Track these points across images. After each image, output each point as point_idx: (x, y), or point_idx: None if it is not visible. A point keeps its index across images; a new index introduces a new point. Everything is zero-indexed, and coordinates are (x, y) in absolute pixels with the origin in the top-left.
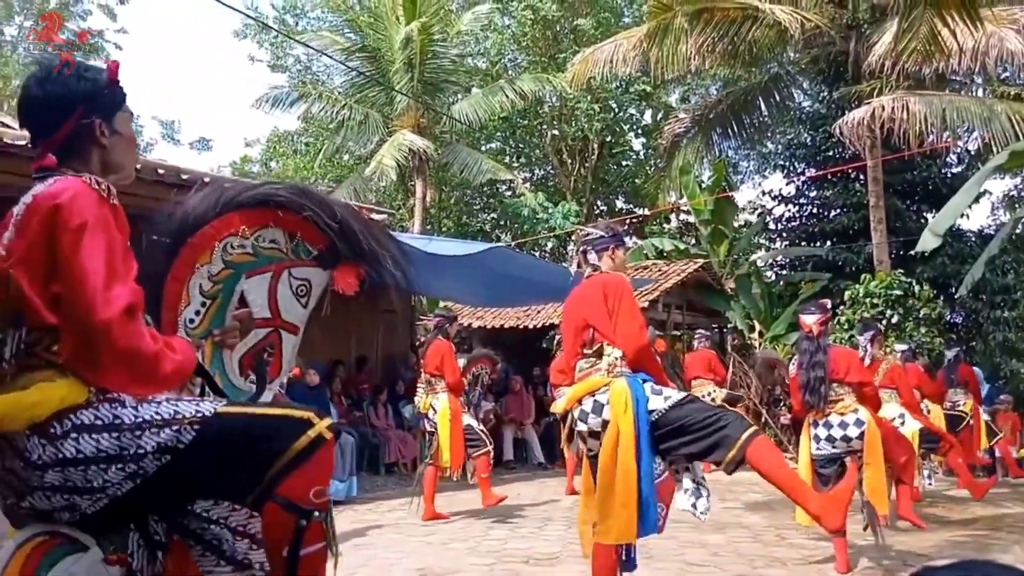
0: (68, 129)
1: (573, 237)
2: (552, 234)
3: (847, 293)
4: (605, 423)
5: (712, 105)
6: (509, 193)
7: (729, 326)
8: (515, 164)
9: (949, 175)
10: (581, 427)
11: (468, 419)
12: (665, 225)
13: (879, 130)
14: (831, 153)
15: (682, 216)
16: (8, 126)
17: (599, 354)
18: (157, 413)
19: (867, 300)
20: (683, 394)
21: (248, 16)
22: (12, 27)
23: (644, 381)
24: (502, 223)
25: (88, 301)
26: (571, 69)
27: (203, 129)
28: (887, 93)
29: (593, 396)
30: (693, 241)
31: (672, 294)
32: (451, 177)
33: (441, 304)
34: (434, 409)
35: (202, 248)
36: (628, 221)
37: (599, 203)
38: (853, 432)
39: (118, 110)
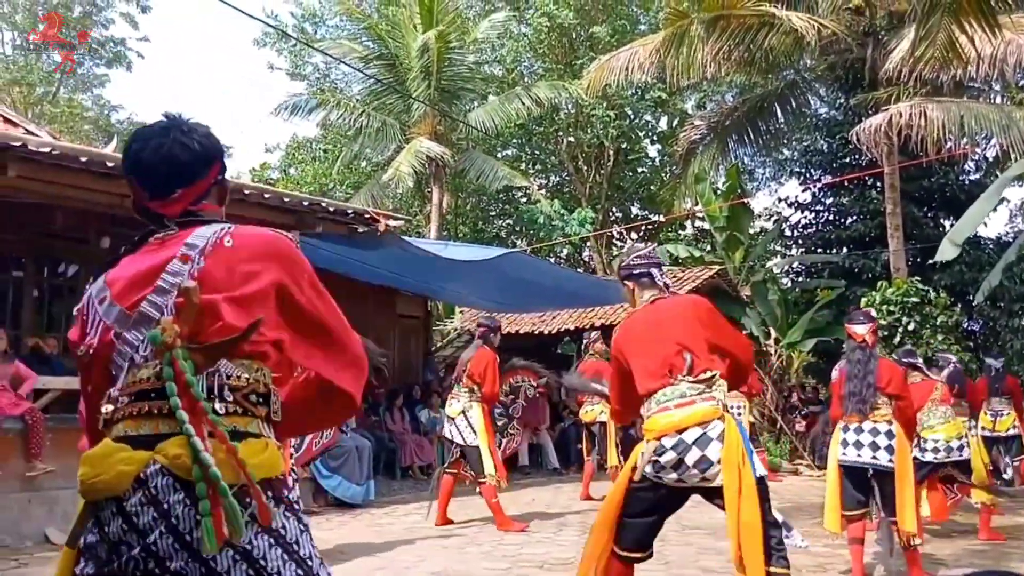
0: (207, 184)
1: (589, 244)
2: (567, 240)
3: (863, 300)
4: (705, 459)
5: (728, 112)
6: (525, 199)
7: (744, 333)
8: (531, 171)
9: (967, 182)
10: (668, 457)
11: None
12: (680, 232)
13: (896, 137)
14: (848, 160)
15: (697, 223)
16: (33, 133)
17: (709, 383)
18: (311, 551)
19: (884, 307)
20: (763, 471)
21: (268, 24)
22: (36, 35)
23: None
24: (518, 229)
25: (340, 339)
26: (587, 76)
27: (224, 137)
28: (904, 100)
29: (703, 429)
30: (708, 248)
31: None
32: (467, 183)
33: (484, 313)
34: (466, 418)
35: None
36: (643, 227)
37: (614, 210)
38: (883, 442)
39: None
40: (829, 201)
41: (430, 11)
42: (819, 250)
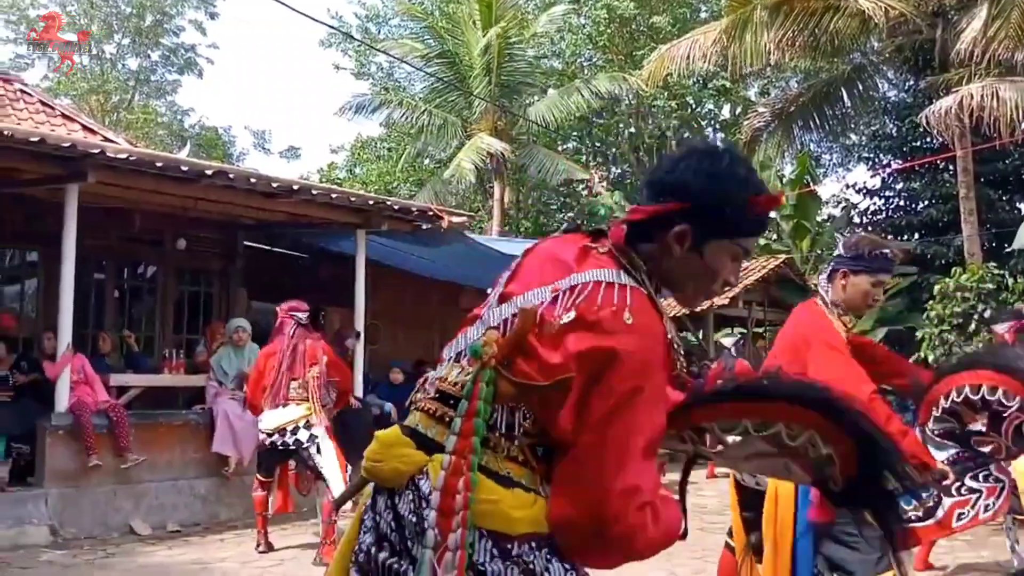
0: (661, 216)
1: None
2: None
3: (936, 287)
4: None
5: (793, 98)
6: (586, 192)
7: None
8: (592, 163)
9: None
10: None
11: None
12: None
13: (968, 119)
14: (918, 144)
15: None
16: (111, 140)
17: None
18: None
19: (957, 294)
20: None
21: (332, 27)
22: (111, 45)
23: None
24: (579, 222)
25: (605, 480)
26: (647, 66)
27: (292, 138)
28: (976, 81)
29: None
30: (775, 236)
31: (753, 291)
32: (528, 178)
33: None
34: None
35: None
36: None
37: None
38: None
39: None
40: (899, 186)
41: (489, 7)
42: (890, 237)
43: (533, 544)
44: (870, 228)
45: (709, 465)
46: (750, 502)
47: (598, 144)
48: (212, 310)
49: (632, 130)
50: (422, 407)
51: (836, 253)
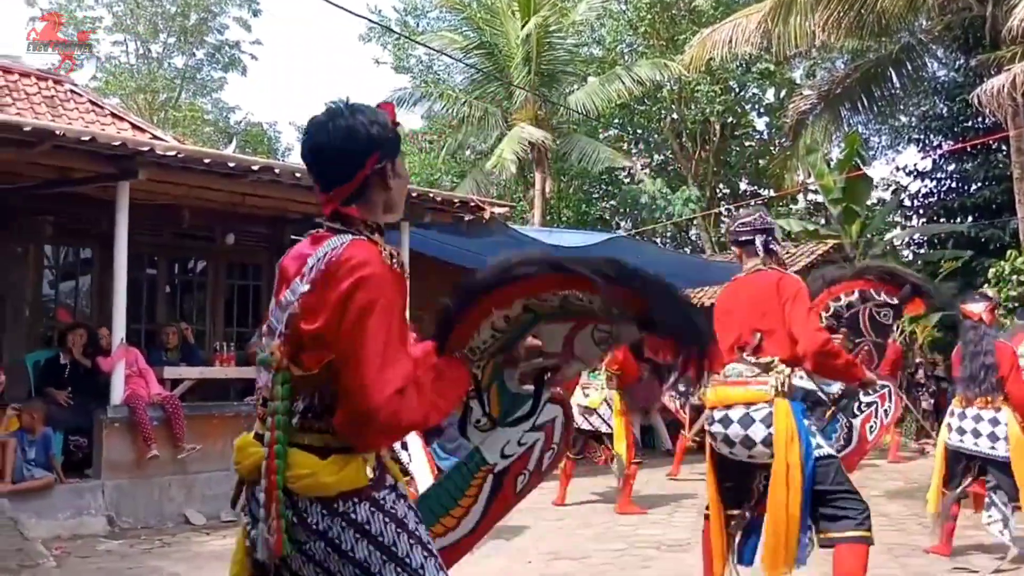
0: (363, 176)
1: (695, 222)
2: (672, 221)
3: (991, 271)
4: (748, 439)
5: (839, 79)
6: (628, 180)
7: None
8: (634, 150)
9: None
10: (717, 429)
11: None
12: (792, 206)
13: (1021, 97)
14: (969, 124)
15: (810, 196)
16: (159, 138)
17: (767, 368)
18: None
19: (1013, 278)
20: (831, 449)
21: (372, 21)
22: (158, 44)
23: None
24: (621, 211)
25: (360, 385)
26: (689, 51)
27: None
28: None
29: (747, 409)
30: (823, 221)
31: (802, 276)
32: (570, 167)
33: None
34: (608, 406)
35: (508, 299)
36: (751, 203)
37: (721, 186)
38: (985, 429)
39: (398, 152)
40: (951, 168)
41: None
42: (942, 220)
43: (354, 500)
44: (921, 211)
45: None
46: (729, 471)
47: (640, 131)
48: (261, 303)
49: (674, 116)
50: (257, 414)
51: (770, 223)
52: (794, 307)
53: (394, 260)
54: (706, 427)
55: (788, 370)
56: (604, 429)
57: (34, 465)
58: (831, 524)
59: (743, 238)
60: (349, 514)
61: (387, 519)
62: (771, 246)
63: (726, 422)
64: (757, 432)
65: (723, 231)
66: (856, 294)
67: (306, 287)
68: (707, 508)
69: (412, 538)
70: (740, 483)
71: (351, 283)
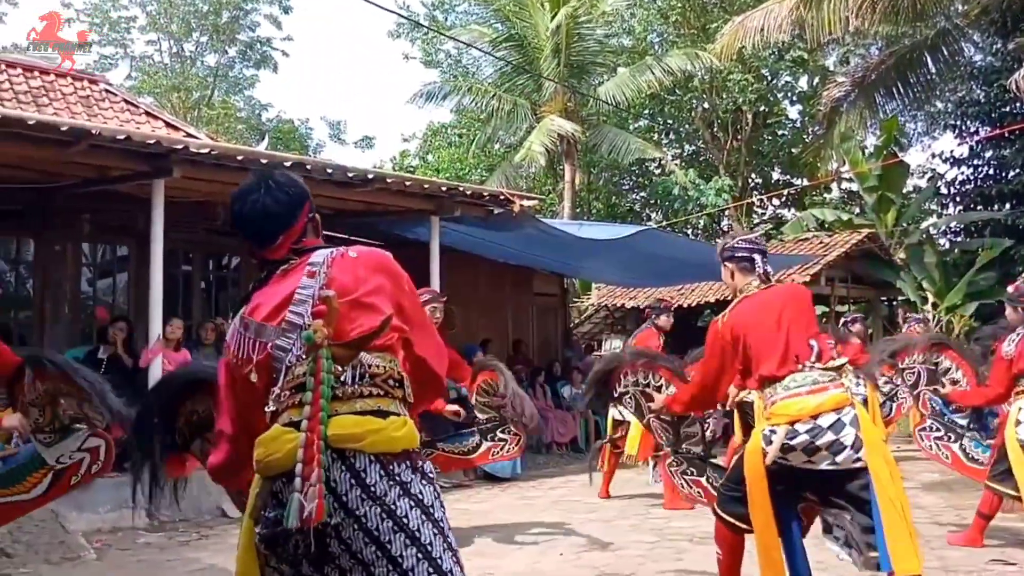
0: (302, 224)
1: (728, 213)
2: (704, 212)
3: None
4: (838, 443)
5: (874, 66)
6: (659, 171)
7: (900, 298)
8: (664, 141)
9: None
10: (801, 441)
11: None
12: (826, 195)
13: None
14: (1007, 109)
15: (844, 184)
16: (193, 136)
17: (840, 370)
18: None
19: None
20: None
21: (401, 16)
22: (190, 43)
23: None
24: (652, 202)
25: (437, 353)
26: (720, 40)
27: (367, 128)
28: None
29: (838, 414)
30: (857, 210)
31: (836, 267)
32: (599, 159)
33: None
34: None
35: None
36: (785, 193)
37: (754, 176)
38: None
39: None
40: (988, 154)
41: None
42: (979, 207)
43: (407, 463)
44: (958, 199)
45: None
46: (786, 485)
47: (670, 121)
48: None
49: (706, 106)
50: (286, 406)
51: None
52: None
53: None
54: (782, 442)
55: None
56: (629, 417)
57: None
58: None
59: (741, 254)
60: (401, 476)
61: (425, 482)
62: (767, 267)
63: (815, 431)
64: (847, 436)
65: (756, 222)
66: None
67: (322, 280)
68: (729, 513)
69: (440, 503)
70: (791, 495)
71: (392, 268)
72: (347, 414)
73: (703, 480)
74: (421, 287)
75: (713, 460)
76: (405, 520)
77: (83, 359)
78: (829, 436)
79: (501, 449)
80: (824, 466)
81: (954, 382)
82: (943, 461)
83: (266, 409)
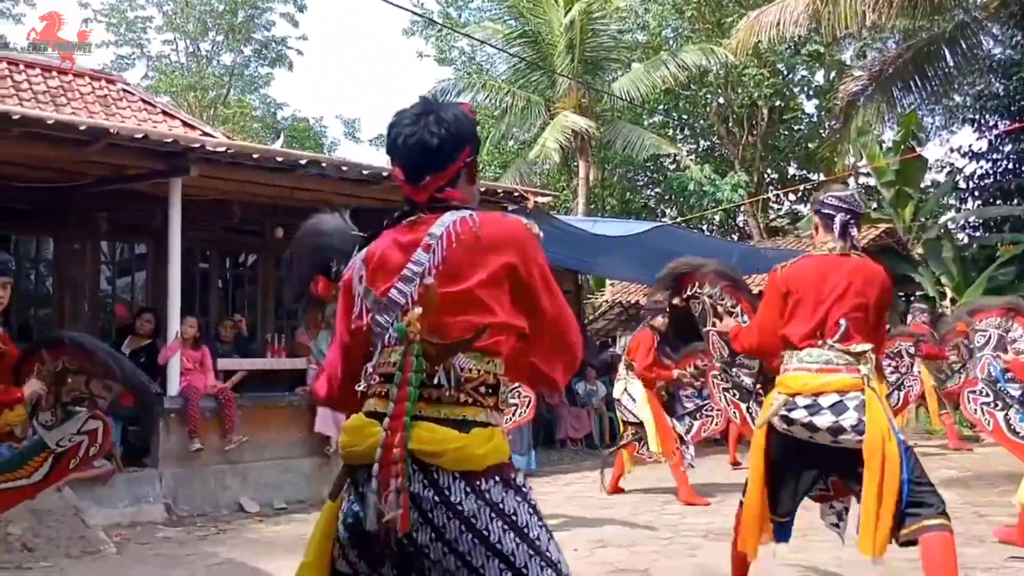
0: (457, 168)
1: (743, 208)
2: (719, 208)
3: None
4: (837, 425)
5: (891, 59)
6: (674, 167)
7: (918, 294)
8: (679, 136)
9: None
10: (799, 415)
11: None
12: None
13: None
14: None
15: (861, 180)
16: (209, 135)
17: (859, 356)
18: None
19: None
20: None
21: (415, 13)
22: (206, 42)
23: None
24: (667, 198)
25: (574, 340)
26: (736, 35)
27: (381, 125)
28: None
29: (840, 396)
30: (875, 205)
31: None
32: (614, 155)
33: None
34: (629, 395)
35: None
36: (801, 188)
37: (769, 171)
38: None
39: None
40: (1008, 148)
41: None
42: (998, 202)
43: (496, 479)
44: (976, 193)
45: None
46: (790, 454)
47: (685, 117)
48: None
49: (721, 101)
50: (374, 392)
51: (859, 203)
52: (887, 311)
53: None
54: (779, 411)
55: (874, 359)
56: (629, 417)
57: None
58: (918, 513)
59: (826, 211)
60: (497, 502)
61: (519, 498)
62: (850, 230)
63: (814, 408)
64: (848, 419)
65: (771, 217)
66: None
67: (437, 258)
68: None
69: (539, 518)
70: (799, 465)
71: (523, 245)
72: (430, 420)
73: (743, 407)
74: None
75: (759, 395)
76: (499, 545)
77: None
78: (828, 416)
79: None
80: (825, 443)
81: (1018, 352)
82: (984, 427)
83: (357, 387)
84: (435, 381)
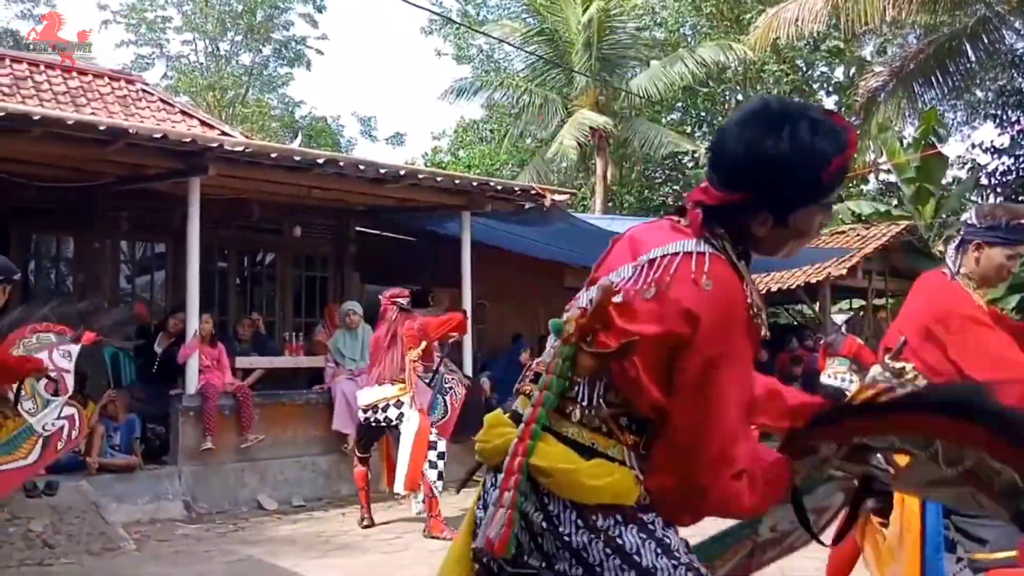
0: (738, 200)
1: None
2: None
3: None
4: None
5: (912, 55)
6: (692, 164)
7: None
8: (697, 133)
9: None
10: None
11: None
12: (863, 187)
13: None
14: None
15: (881, 176)
16: (227, 134)
17: (898, 374)
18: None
19: None
20: None
21: (434, 12)
22: (225, 42)
23: None
24: (685, 196)
25: (704, 458)
26: (754, 32)
27: (398, 124)
28: None
29: None
30: (895, 202)
31: (873, 260)
32: (631, 152)
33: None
34: None
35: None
36: None
37: None
38: None
39: (818, 201)
40: None
41: None
42: (1021, 199)
43: (619, 518)
44: (999, 190)
45: None
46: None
47: (703, 113)
48: (327, 294)
49: (739, 97)
50: (522, 390)
51: (967, 222)
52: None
53: (753, 305)
54: None
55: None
56: None
57: (118, 451)
58: (979, 546)
59: (964, 236)
60: (613, 536)
61: (659, 549)
62: (961, 253)
63: None
64: None
65: None
66: None
67: (637, 282)
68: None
69: (669, 557)
70: None
71: (711, 317)
72: (556, 435)
73: None
74: (453, 282)
75: None
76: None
77: (132, 354)
78: None
79: None
80: None
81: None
82: None
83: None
84: (575, 394)
